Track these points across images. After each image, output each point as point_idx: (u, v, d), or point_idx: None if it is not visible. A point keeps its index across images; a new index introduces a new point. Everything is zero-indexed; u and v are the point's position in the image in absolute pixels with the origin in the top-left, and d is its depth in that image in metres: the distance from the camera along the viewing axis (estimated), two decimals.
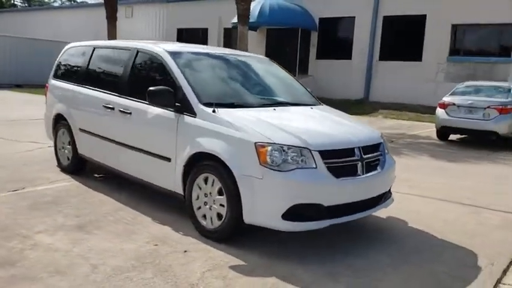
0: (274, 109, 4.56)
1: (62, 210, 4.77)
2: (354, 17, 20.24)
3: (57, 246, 3.87)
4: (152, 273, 3.46)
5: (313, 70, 21.40)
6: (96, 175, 6.15)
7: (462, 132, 11.02)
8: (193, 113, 4.31)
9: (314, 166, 3.79)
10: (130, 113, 4.92)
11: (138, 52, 5.13)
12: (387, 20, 19.44)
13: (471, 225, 4.95)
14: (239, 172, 3.84)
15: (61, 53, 6.68)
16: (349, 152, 4.02)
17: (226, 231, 4.02)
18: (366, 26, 19.83)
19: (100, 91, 5.47)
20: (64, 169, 6.30)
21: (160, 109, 4.58)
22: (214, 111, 4.19)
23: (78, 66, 6.16)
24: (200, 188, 4.22)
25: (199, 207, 4.25)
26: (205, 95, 4.45)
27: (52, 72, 6.71)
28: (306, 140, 3.86)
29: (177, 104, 4.42)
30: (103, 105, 5.30)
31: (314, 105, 5.09)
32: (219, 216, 4.06)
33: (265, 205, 3.77)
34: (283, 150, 3.76)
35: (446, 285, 3.54)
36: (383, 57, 19.57)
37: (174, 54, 4.80)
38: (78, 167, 6.17)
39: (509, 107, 10.22)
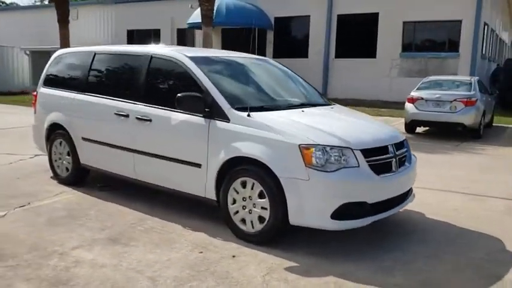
0: (303, 110, 4.62)
1: (84, 224, 4.59)
2: (309, 16, 20.66)
3: (101, 261, 3.74)
4: (214, 282, 3.43)
5: None
6: (98, 185, 5.94)
7: (431, 124, 11.57)
8: (225, 118, 4.28)
9: (357, 165, 3.89)
10: (150, 120, 4.81)
11: (152, 58, 5.01)
12: (341, 18, 20.00)
13: (482, 213, 5.25)
14: (283, 175, 3.87)
15: (51, 60, 6.38)
16: (384, 149, 4.17)
17: (269, 233, 4.05)
18: (321, 25, 20.30)
19: (109, 98, 5.29)
20: (63, 181, 6.04)
21: (187, 115, 4.51)
22: (249, 115, 4.19)
23: (76, 73, 5.92)
24: (237, 193, 4.21)
25: (237, 212, 4.24)
26: (234, 99, 4.44)
27: (41, 80, 6.40)
28: (346, 140, 3.96)
29: (206, 109, 4.37)
30: (115, 113, 5.14)
31: (329, 104, 5.20)
32: (261, 219, 4.07)
33: (313, 206, 3.83)
34: (327, 151, 3.84)
35: (490, 270, 3.75)
36: (339, 55, 20.11)
37: (195, 59, 4.75)
38: (79, 177, 5.95)
39: (473, 99, 10.85)
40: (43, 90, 6.32)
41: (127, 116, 5.02)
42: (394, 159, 4.21)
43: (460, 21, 17.81)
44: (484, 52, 19.62)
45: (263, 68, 5.51)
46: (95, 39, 26.48)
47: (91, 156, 5.61)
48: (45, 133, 6.18)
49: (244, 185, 4.16)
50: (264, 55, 21.76)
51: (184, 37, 24.30)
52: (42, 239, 4.18)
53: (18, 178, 6.32)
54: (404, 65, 18.92)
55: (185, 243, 4.14)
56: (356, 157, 3.90)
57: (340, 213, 3.82)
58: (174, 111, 4.63)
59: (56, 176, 6.17)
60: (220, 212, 4.43)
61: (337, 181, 3.79)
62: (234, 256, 3.88)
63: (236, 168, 4.20)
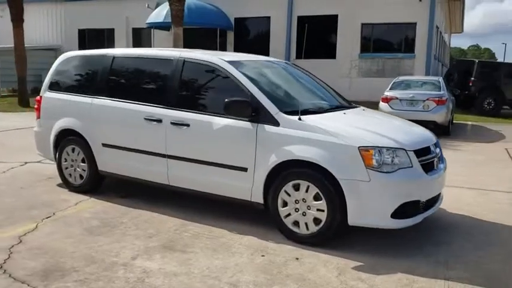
0: (344, 113, 4.76)
1: (126, 233, 4.48)
2: (269, 17, 20.87)
3: (170, 269, 3.67)
4: (296, 284, 3.48)
5: None
6: (121, 194, 5.77)
7: None
8: (274, 122, 4.33)
9: (410, 165, 4.08)
10: (187, 125, 4.75)
11: (185, 62, 4.95)
12: (301, 20, 20.37)
13: (494, 206, 5.62)
14: (343, 176, 3.98)
15: (57, 63, 6.10)
16: (429, 149, 4.39)
17: (325, 235, 4.15)
18: (281, 26, 20.58)
19: (135, 103, 5.16)
20: (75, 189, 5.80)
21: (231, 120, 4.51)
22: (299, 118, 4.27)
23: (92, 77, 5.71)
24: (289, 195, 4.27)
25: (288, 215, 4.31)
26: (279, 103, 4.50)
27: (46, 85, 6.11)
28: (400, 141, 4.14)
29: (252, 114, 4.40)
30: (144, 118, 5.02)
31: (357, 107, 5.36)
32: (316, 221, 4.16)
33: (374, 206, 3.97)
34: (385, 153, 3.99)
35: None
36: (299, 55, 20.47)
37: (235, 64, 4.76)
38: (95, 185, 5.75)
39: (444, 98, 11.48)
40: (49, 94, 6.03)
41: (159, 121, 4.93)
42: (435, 159, 4.44)
43: (415, 24, 18.70)
44: (435, 53, 20.72)
45: (289, 70, 5.59)
46: (44, 39, 25.35)
47: (112, 163, 5.44)
48: (53, 140, 5.91)
49: (296, 187, 4.23)
50: None
51: (140, 37, 23.79)
52: (93, 250, 4.04)
53: (22, 188, 6.01)
54: (363, 66, 19.59)
55: (242, 248, 4.15)
56: (409, 158, 4.08)
57: (399, 212, 3.98)
58: (215, 115, 4.63)
59: (66, 184, 5.92)
60: (264, 215, 4.49)
61: (397, 181, 3.96)
62: (297, 258, 3.95)
63: (288, 171, 4.25)
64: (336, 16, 19.75)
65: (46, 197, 5.60)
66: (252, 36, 21.87)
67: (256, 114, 4.39)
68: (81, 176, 5.76)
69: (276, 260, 3.91)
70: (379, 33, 19.67)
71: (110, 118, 5.39)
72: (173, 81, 4.97)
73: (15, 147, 8.72)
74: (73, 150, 5.77)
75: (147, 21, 20.71)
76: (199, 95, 5.00)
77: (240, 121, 4.47)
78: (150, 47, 22.48)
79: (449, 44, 38.04)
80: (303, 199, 4.20)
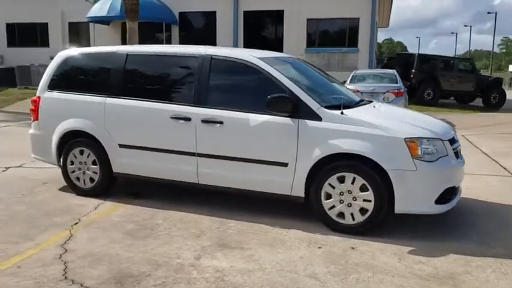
0: (374, 106, 4.97)
1: (170, 233, 4.40)
2: (215, 12, 20.81)
3: (241, 266, 3.69)
4: (369, 271, 3.64)
5: None
6: (131, 192, 5.61)
7: None
8: (316, 117, 4.45)
9: (446, 154, 4.38)
10: (221, 123, 4.74)
11: (212, 59, 4.91)
12: (248, 14, 20.53)
13: (498, 190, 6.07)
14: (390, 167, 4.20)
15: (57, 62, 5.75)
16: (454, 139, 4.72)
17: (371, 224, 4.35)
18: (228, 21, 20.61)
19: (159, 102, 5.04)
20: (85, 192, 5.56)
21: (269, 116, 4.56)
22: (342, 112, 4.42)
23: (103, 76, 5.49)
24: (333, 188, 4.42)
25: (332, 207, 4.46)
26: (317, 98, 4.62)
27: (45, 84, 5.75)
28: (435, 131, 4.44)
29: (292, 109, 4.48)
30: (171, 117, 4.93)
31: (372, 101, 5.59)
32: (362, 211, 4.35)
33: (420, 194, 4.23)
34: (427, 143, 4.26)
35: None
36: None
37: (267, 61, 4.80)
38: (107, 188, 5.55)
39: (401, 90, 12.18)
40: (49, 94, 5.70)
41: (188, 119, 4.86)
42: (459, 147, 4.79)
43: (358, 19, 19.52)
44: (375, 47, 21.76)
45: (306, 66, 5.70)
46: None
47: (131, 164, 5.27)
48: (56, 142, 5.60)
49: (341, 179, 4.38)
50: None
51: (78, 32, 22.70)
52: (149, 253, 3.94)
53: (24, 195, 5.65)
54: (310, 60, 19.94)
55: (295, 241, 4.24)
56: (445, 147, 4.38)
57: (441, 198, 4.28)
58: (250, 112, 4.66)
59: (73, 188, 5.65)
60: (295, 207, 4.66)
61: (440, 169, 4.25)
62: (353, 248, 4.11)
63: (332, 164, 4.40)
64: (282, 11, 20.12)
65: (57, 203, 5.32)
66: (197, 31, 21.66)
67: (296, 110, 4.48)
68: (91, 179, 5.52)
69: (334, 250, 4.05)
70: (324, 28, 20.34)
71: (128, 118, 5.21)
72: (201, 79, 4.91)
73: None
74: (81, 152, 5.52)
75: (88, 15, 19.87)
76: (231, 92, 4.99)
77: (279, 117, 4.53)
78: (89, 42, 21.62)
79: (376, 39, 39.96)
80: (349, 191, 4.37)
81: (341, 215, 4.44)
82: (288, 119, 4.51)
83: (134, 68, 5.34)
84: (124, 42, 22.06)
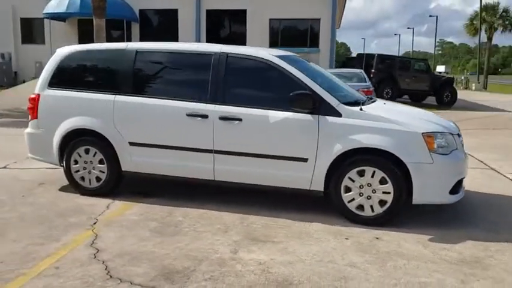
0: (384, 103, 5.20)
1: (197, 229, 4.43)
2: (177, 10, 20.63)
3: (283, 259, 3.79)
4: (404, 259, 3.84)
5: None
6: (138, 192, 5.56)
7: None
8: (336, 113, 4.61)
9: (456, 147, 4.68)
10: (239, 120, 4.80)
11: (228, 57, 4.96)
12: (210, 13, 20.51)
13: (500, 184, 6.47)
14: (410, 160, 4.43)
15: (58, 58, 5.57)
16: (459, 134, 5.03)
17: (390, 215, 4.57)
18: (190, 20, 20.48)
19: (174, 100, 5.03)
20: (90, 192, 5.44)
21: (288, 113, 4.68)
22: (361, 109, 4.62)
23: (111, 73, 5.39)
24: (353, 181, 4.61)
25: (352, 200, 4.64)
26: (335, 95, 4.79)
27: (45, 81, 5.57)
28: (446, 126, 4.73)
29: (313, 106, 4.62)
30: (187, 114, 4.94)
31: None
32: (381, 203, 4.56)
33: (436, 185, 4.50)
34: (441, 137, 4.53)
35: None
36: None
37: (285, 59, 4.91)
38: (114, 186, 5.47)
39: (371, 89, 12.65)
40: (50, 92, 5.53)
41: (205, 116, 4.89)
42: (463, 142, 5.10)
43: (319, 20, 19.97)
44: None
45: (312, 64, 5.86)
46: None
47: (142, 162, 5.22)
48: (59, 141, 5.45)
49: (361, 173, 4.58)
50: None
51: (30, 28, 21.76)
52: (185, 249, 3.96)
53: (24, 196, 5.46)
54: None
55: (321, 233, 4.39)
56: (455, 141, 4.68)
57: (453, 188, 4.56)
58: (269, 109, 4.76)
59: (77, 187, 5.52)
60: (308, 201, 4.82)
61: (453, 162, 4.54)
62: (377, 238, 4.31)
63: (352, 158, 4.58)
64: (245, 11, 20.24)
65: (64, 203, 5.19)
66: (158, 29, 21.39)
67: (317, 107, 4.62)
68: (97, 178, 5.42)
69: (361, 241, 4.23)
70: (287, 28, 20.65)
71: (139, 115, 5.16)
72: (217, 77, 4.95)
73: None
74: (87, 151, 5.40)
75: (45, 11, 19.15)
76: (248, 90, 5.05)
77: (299, 114, 4.66)
78: (43, 39, 20.85)
79: None
80: (368, 184, 4.57)
81: (360, 207, 4.63)
82: (309, 115, 4.65)
83: (145, 65, 5.30)
84: (81, 40, 21.40)
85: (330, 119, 4.62)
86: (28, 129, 5.72)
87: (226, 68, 4.95)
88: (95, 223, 4.58)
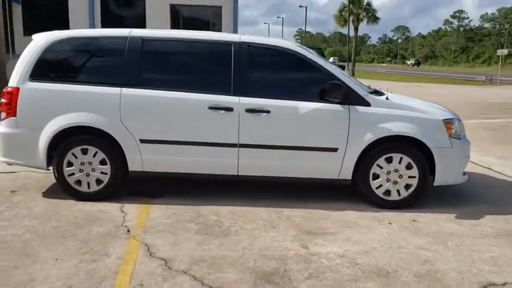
0: (391, 92, 5.44)
1: (244, 227, 4.27)
2: None
3: (358, 249, 3.84)
4: (454, 238, 4.14)
5: (21, 48, 18.74)
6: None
7: None
8: (364, 103, 4.75)
9: (464, 133, 5.14)
10: (267, 112, 4.68)
11: (249, 46, 4.77)
12: None
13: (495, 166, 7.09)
14: (433, 145, 4.76)
15: (40, 47, 4.77)
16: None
17: (415, 197, 4.88)
18: (83, 2, 18.93)
19: (193, 92, 4.70)
20: (90, 196, 4.87)
21: (318, 103, 4.70)
22: (387, 98, 4.82)
23: (112, 63, 4.83)
24: (381, 168, 4.80)
25: (379, 186, 4.84)
26: (359, 85, 4.92)
27: (25, 73, 4.77)
28: (455, 113, 5.15)
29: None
30: (209, 107, 4.66)
31: None
32: (407, 186, 4.84)
33: (454, 167, 4.91)
34: (456, 123, 4.94)
35: None
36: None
37: (309, 50, 4.88)
38: (118, 189, 4.97)
39: None
40: (33, 85, 4.77)
41: (230, 109, 4.67)
42: None
43: (220, 7, 19.85)
44: None
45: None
46: None
47: (156, 160, 4.81)
48: (48, 142, 4.76)
49: (389, 160, 4.79)
50: (12, 33, 18.72)
51: None
52: (254, 249, 3.78)
53: (8, 207, 4.70)
54: None
55: (364, 221, 4.52)
56: (463, 126, 5.13)
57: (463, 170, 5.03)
58: (298, 100, 4.72)
59: (71, 192, 4.89)
60: (327, 189, 5.01)
61: (466, 145, 5.02)
62: (414, 220, 4.57)
63: (381, 146, 4.76)
64: None
65: (67, 211, 4.57)
66: (45, 11, 19.31)
67: (347, 97, 4.70)
68: (98, 181, 4.87)
69: (404, 224, 4.46)
70: (188, 14, 20.16)
71: (153, 110, 4.73)
72: (240, 67, 4.74)
73: None
74: (84, 151, 4.81)
75: None
76: (273, 81, 4.92)
77: (330, 104, 4.70)
78: None
79: None
80: (395, 169, 4.80)
81: (387, 192, 4.85)
82: (339, 105, 4.70)
83: (155, 55, 4.84)
84: None
85: (360, 108, 4.73)
86: (2, 129, 4.88)
87: (250, 59, 4.77)
88: (128, 231, 4.12)
